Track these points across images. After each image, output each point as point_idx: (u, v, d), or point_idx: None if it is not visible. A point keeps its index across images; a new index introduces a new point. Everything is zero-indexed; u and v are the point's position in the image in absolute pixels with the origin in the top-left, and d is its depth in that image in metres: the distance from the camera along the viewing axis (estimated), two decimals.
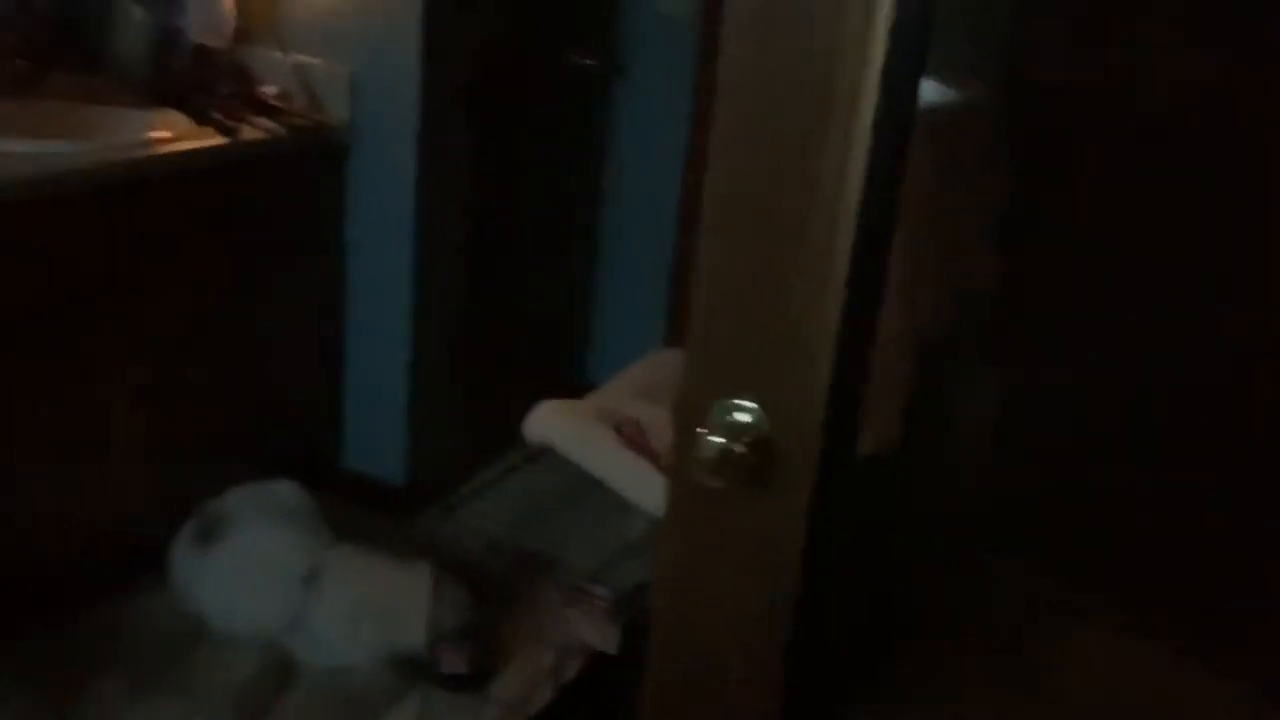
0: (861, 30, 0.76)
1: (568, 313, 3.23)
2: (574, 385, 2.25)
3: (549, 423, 1.82)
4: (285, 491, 2.12)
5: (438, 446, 2.63)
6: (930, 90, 0.84)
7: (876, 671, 1.12)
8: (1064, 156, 1.01)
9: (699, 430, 0.87)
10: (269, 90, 2.35)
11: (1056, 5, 1.00)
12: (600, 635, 1.68)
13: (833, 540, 0.97)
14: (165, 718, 1.93)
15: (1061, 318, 1.05)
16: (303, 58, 2.36)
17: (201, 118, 2.19)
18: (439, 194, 2.43)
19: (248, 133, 2.20)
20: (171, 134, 2.11)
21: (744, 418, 0.88)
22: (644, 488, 1.72)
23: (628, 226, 3.17)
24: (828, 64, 0.77)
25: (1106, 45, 1.01)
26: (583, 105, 3.02)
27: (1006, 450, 1.14)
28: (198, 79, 2.33)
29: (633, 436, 1.75)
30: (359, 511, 2.50)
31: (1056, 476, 1.07)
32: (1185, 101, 1.00)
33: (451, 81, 2.38)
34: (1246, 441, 1.02)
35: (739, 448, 0.87)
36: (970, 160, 0.96)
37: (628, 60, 3.00)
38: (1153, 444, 1.07)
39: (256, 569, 2.02)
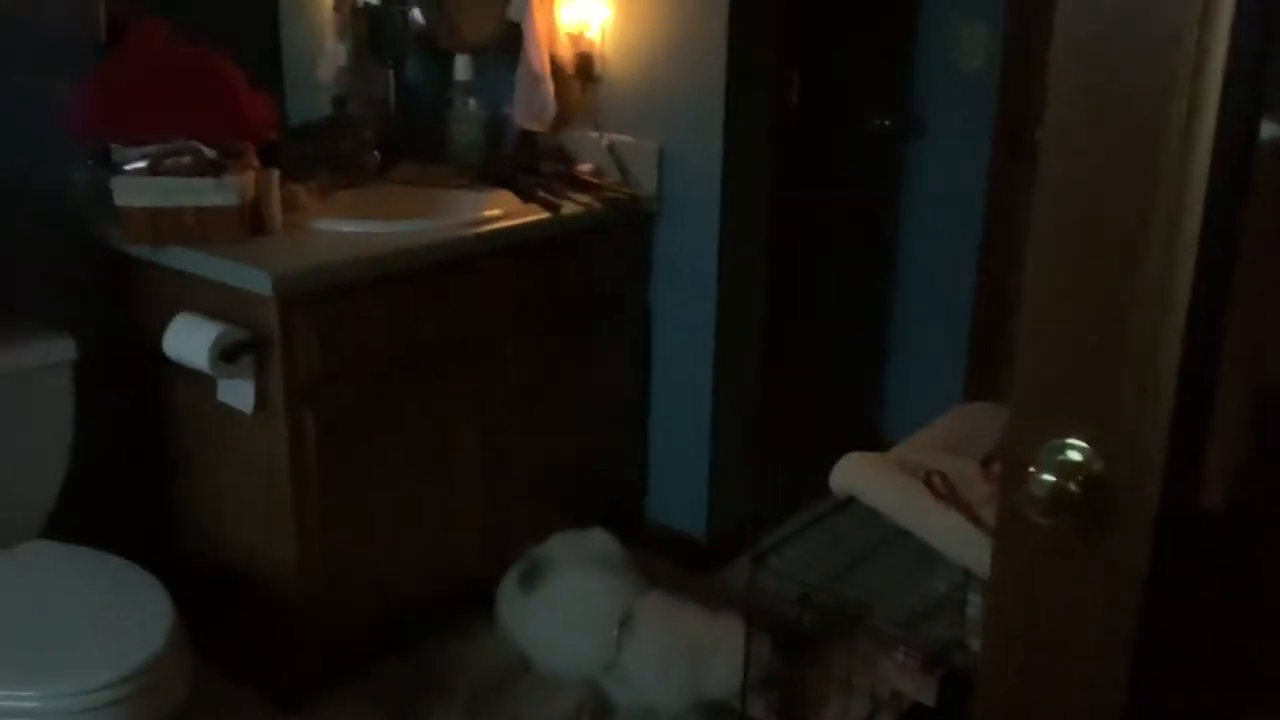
0: (1198, 56, 0.75)
1: (865, 369, 3.24)
2: (873, 442, 2.26)
3: (856, 474, 1.83)
4: (600, 540, 2.25)
5: (738, 501, 2.71)
6: (1272, 123, 0.82)
7: None
8: None
9: (1029, 470, 0.87)
10: (585, 168, 2.56)
11: None
12: (916, 686, 1.67)
13: (1172, 588, 0.93)
14: None
15: None
16: (615, 136, 2.56)
17: (527, 196, 2.43)
18: (740, 257, 2.54)
19: (568, 207, 2.40)
20: (502, 211, 2.34)
21: (1075, 456, 0.86)
22: (954, 539, 1.70)
23: (923, 282, 3.15)
24: (1162, 91, 0.77)
25: None
26: (880, 162, 3.06)
27: None
28: (523, 162, 2.59)
29: (941, 488, 1.73)
30: (665, 562, 2.62)
31: None
32: None
33: (753, 151, 2.50)
34: None
35: (1072, 487, 0.86)
36: None
37: (923, 115, 3.01)
38: None
39: (575, 612, 2.15)
